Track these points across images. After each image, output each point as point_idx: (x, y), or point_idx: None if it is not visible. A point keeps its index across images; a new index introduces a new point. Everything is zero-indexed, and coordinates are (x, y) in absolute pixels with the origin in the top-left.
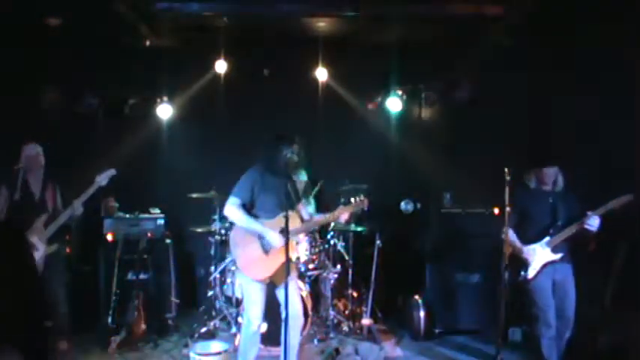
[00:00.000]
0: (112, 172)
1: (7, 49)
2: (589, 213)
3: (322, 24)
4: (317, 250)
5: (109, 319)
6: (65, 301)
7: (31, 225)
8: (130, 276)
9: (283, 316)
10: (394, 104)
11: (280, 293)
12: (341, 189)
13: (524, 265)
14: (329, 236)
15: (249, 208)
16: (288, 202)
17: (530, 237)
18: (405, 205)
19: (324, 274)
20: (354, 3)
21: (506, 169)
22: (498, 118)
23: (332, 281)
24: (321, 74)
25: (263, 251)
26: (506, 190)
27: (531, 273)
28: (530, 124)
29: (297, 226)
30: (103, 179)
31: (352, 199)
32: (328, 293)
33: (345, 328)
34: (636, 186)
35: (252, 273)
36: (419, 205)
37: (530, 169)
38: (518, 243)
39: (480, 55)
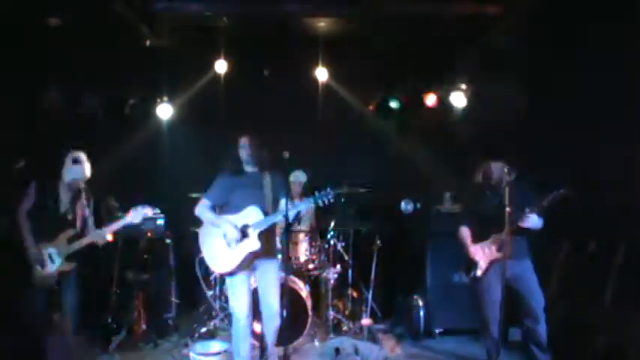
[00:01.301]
0: (146, 211)
1: (7, 49)
2: (526, 210)
3: (322, 24)
4: (317, 250)
5: (109, 319)
6: (73, 315)
7: (54, 235)
8: (130, 276)
9: (263, 314)
10: (396, 104)
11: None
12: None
13: (475, 264)
14: (329, 236)
15: (222, 207)
16: (258, 196)
17: (479, 235)
18: (405, 205)
19: (324, 274)
20: (354, 3)
21: (505, 169)
22: (498, 118)
23: (332, 281)
24: (321, 74)
25: (226, 246)
26: (506, 190)
27: (479, 272)
28: (530, 124)
29: (260, 219)
30: (136, 216)
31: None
32: (328, 293)
33: (345, 328)
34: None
35: (216, 267)
36: (419, 205)
37: (478, 164)
38: (467, 242)
39: (480, 55)
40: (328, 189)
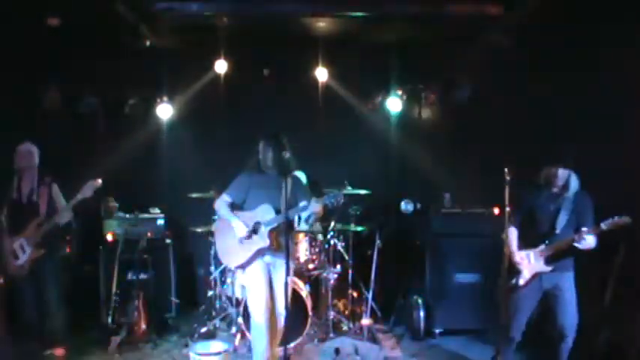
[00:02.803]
0: (97, 184)
1: (7, 49)
2: (584, 230)
3: (322, 24)
4: (317, 250)
5: (109, 319)
6: (58, 303)
7: (23, 227)
8: (130, 276)
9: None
10: (394, 104)
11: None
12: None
13: (517, 270)
14: (329, 236)
15: (240, 205)
16: (274, 196)
17: (529, 241)
18: (405, 205)
19: (324, 274)
20: (354, 3)
21: (505, 169)
22: (498, 118)
23: (332, 281)
24: (321, 74)
25: (238, 241)
26: (506, 189)
27: (522, 281)
28: (530, 124)
29: (271, 217)
30: (87, 190)
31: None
32: (328, 293)
33: (345, 328)
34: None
35: (226, 260)
36: (419, 205)
37: (542, 167)
38: (513, 246)
39: (479, 55)
40: (337, 191)
